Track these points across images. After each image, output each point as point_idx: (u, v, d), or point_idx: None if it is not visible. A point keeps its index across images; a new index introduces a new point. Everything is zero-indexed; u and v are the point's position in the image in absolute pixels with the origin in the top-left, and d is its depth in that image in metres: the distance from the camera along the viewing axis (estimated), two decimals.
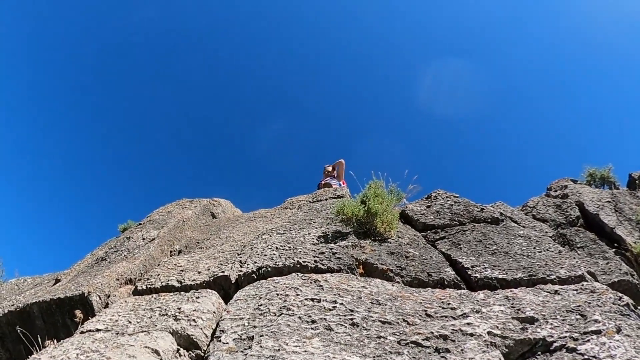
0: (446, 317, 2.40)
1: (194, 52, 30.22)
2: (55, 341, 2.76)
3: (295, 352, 2.05)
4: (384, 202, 4.12)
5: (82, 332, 2.73)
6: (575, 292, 2.70)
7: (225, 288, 3.32)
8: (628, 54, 23.21)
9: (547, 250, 3.57)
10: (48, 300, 3.45)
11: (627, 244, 4.67)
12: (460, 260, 3.45)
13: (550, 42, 25.57)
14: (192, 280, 3.46)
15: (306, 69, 29.46)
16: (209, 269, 3.62)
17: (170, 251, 4.84)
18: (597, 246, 4.74)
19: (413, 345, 2.11)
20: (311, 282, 2.97)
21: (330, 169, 8.01)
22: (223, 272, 3.44)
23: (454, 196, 5.02)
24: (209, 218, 6.33)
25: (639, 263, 4.36)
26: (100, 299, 3.41)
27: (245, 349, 2.15)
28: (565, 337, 2.13)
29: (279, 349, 2.08)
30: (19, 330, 3.25)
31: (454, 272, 3.27)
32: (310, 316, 2.42)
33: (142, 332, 2.58)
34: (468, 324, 2.29)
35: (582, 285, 2.81)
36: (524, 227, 4.55)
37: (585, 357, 1.97)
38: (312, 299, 2.65)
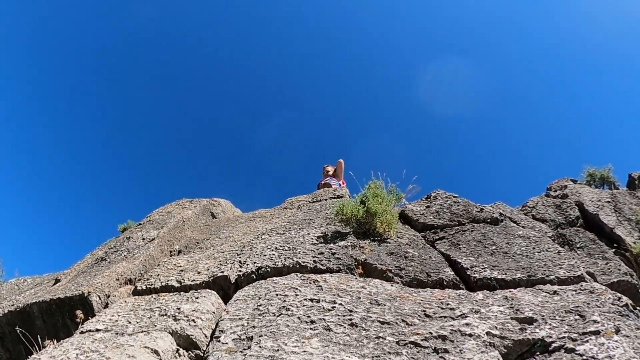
0: (445, 317, 2.41)
1: (194, 51, 30.24)
2: (55, 341, 2.77)
3: (294, 352, 2.06)
4: (384, 202, 4.12)
5: (81, 332, 2.74)
6: (574, 292, 2.70)
7: (225, 288, 3.32)
8: (628, 54, 23.21)
9: (547, 250, 3.57)
10: (48, 300, 3.45)
11: (626, 244, 4.67)
12: (459, 260, 3.46)
13: (551, 41, 25.58)
14: (192, 281, 3.46)
15: (306, 68, 29.47)
16: (208, 269, 3.63)
17: (170, 251, 4.85)
18: (597, 246, 4.75)
19: (412, 345, 2.11)
20: (310, 283, 2.98)
21: (329, 169, 8.01)
22: (222, 272, 3.44)
23: (454, 196, 5.02)
24: (208, 218, 6.33)
25: (639, 263, 4.36)
26: (100, 299, 3.41)
27: (244, 349, 2.16)
28: (564, 337, 2.14)
29: (278, 349, 2.09)
30: (18, 330, 3.26)
31: (453, 273, 3.27)
32: (309, 316, 2.43)
33: (142, 332, 2.58)
34: (467, 324, 2.29)
35: (581, 285, 2.81)
36: (523, 227, 4.55)
37: (584, 357, 1.98)
38: (311, 299, 2.65)
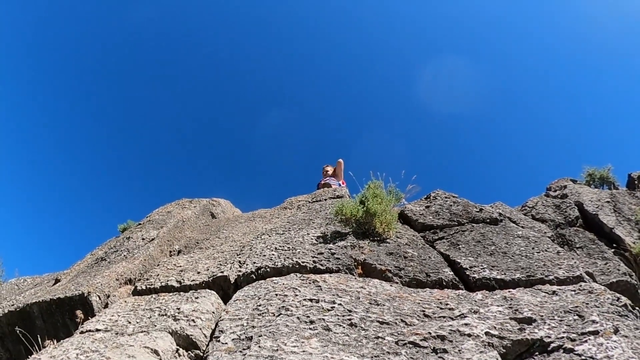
0: (444, 317, 2.41)
1: (193, 51, 30.23)
2: (55, 341, 2.77)
3: (294, 352, 2.06)
4: (383, 202, 4.13)
5: (81, 332, 2.74)
6: (573, 292, 2.71)
7: (225, 288, 3.33)
8: (628, 54, 23.22)
9: (546, 250, 3.57)
10: (48, 300, 3.46)
11: (626, 244, 4.68)
12: (458, 260, 3.46)
13: (551, 41, 25.58)
14: (192, 281, 3.47)
15: (305, 68, 29.47)
16: (208, 269, 3.63)
17: (170, 251, 4.85)
18: (596, 246, 4.75)
19: (411, 345, 2.12)
20: (310, 283, 2.98)
21: (329, 169, 8.02)
22: (222, 272, 3.45)
23: (453, 196, 5.02)
24: (208, 218, 6.34)
25: (638, 263, 4.36)
26: (100, 299, 3.42)
27: (244, 349, 2.16)
28: (563, 337, 2.14)
29: (277, 349, 2.09)
30: (18, 330, 3.26)
31: (452, 273, 3.28)
32: (308, 316, 2.43)
33: (142, 332, 2.59)
34: (466, 324, 2.29)
35: (580, 285, 2.81)
36: (522, 227, 4.56)
37: (583, 357, 1.98)
38: (311, 300, 2.66)
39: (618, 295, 2.63)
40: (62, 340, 2.66)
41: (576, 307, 2.44)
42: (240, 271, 3.42)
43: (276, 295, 2.80)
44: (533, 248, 3.63)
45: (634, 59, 22.34)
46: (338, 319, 2.39)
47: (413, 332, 2.23)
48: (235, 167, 30.87)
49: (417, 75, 28.39)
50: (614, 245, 4.73)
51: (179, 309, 2.84)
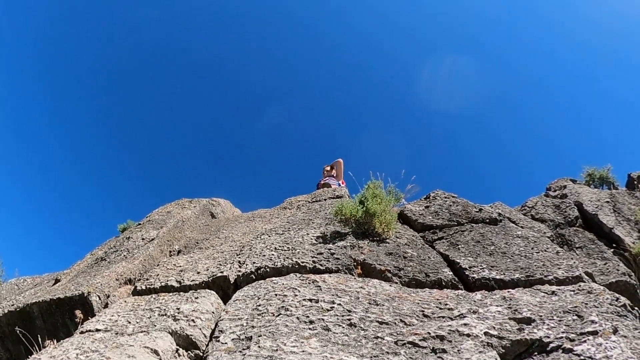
0: (443, 317, 2.42)
1: (193, 51, 30.22)
2: (55, 341, 2.77)
3: (293, 352, 2.06)
4: (383, 202, 4.13)
5: (81, 332, 2.75)
6: (572, 292, 2.71)
7: (224, 288, 3.33)
8: (628, 54, 23.22)
9: (545, 250, 3.58)
10: (48, 300, 3.46)
11: (625, 244, 4.68)
12: (458, 260, 3.47)
13: (551, 41, 25.58)
14: (191, 281, 3.47)
15: (305, 68, 29.46)
16: (208, 269, 3.63)
17: (170, 251, 4.86)
18: (596, 246, 4.76)
19: (410, 345, 2.12)
20: (309, 283, 2.99)
21: (328, 168, 8.02)
22: (222, 272, 3.45)
23: (453, 196, 5.03)
24: (208, 218, 6.34)
25: (637, 263, 4.37)
26: (99, 299, 3.42)
27: (243, 349, 2.17)
28: (562, 337, 2.15)
29: (277, 349, 2.10)
30: (18, 331, 3.27)
31: (451, 273, 3.28)
32: (308, 316, 2.44)
33: (142, 332, 2.59)
34: (465, 324, 2.30)
35: (580, 286, 2.82)
36: (522, 227, 4.56)
37: (582, 357, 1.99)
38: (310, 300, 2.66)
39: (617, 295, 2.64)
40: (62, 340, 2.67)
41: (575, 307, 2.45)
42: (240, 271, 3.42)
43: (276, 295, 2.80)
44: (532, 248, 3.64)
45: (634, 59, 22.35)
46: (337, 319, 2.40)
47: (412, 332, 2.24)
48: (235, 167, 30.89)
49: (417, 75, 28.40)
50: (614, 245, 4.74)
51: (178, 309, 2.84)
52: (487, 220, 4.37)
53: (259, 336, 2.25)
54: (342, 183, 7.66)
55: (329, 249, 3.62)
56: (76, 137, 30.00)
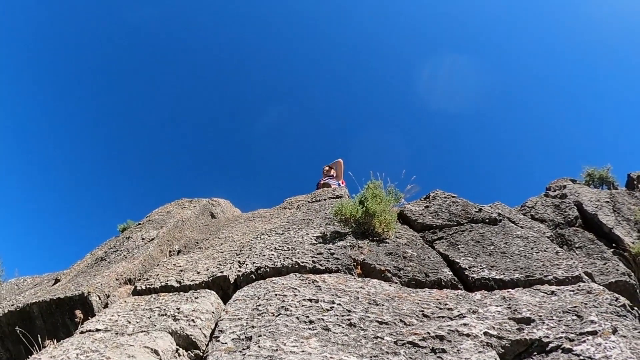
0: (443, 317, 2.42)
1: (192, 51, 30.21)
2: (55, 341, 2.78)
3: (293, 352, 2.07)
4: (382, 202, 4.13)
5: (81, 332, 2.75)
6: (572, 292, 2.71)
7: (224, 288, 3.34)
8: (628, 54, 23.23)
9: (545, 250, 3.58)
10: (48, 300, 3.46)
11: (625, 244, 4.69)
12: (457, 260, 3.47)
13: (552, 40, 25.58)
14: (191, 281, 3.47)
15: (305, 68, 29.45)
16: (208, 269, 3.64)
17: (170, 251, 4.86)
18: (596, 246, 4.76)
19: (410, 345, 2.12)
20: (309, 283, 2.99)
21: (328, 168, 8.03)
22: (222, 272, 3.45)
23: (452, 196, 5.03)
24: (208, 218, 6.34)
25: (637, 263, 4.37)
26: (99, 299, 3.42)
27: (243, 349, 2.17)
28: (561, 337, 2.15)
29: (276, 349, 2.10)
30: (18, 330, 3.27)
31: (451, 273, 3.28)
32: (308, 316, 2.44)
33: (142, 332, 2.59)
34: (464, 324, 2.30)
35: (579, 286, 2.82)
36: (522, 227, 4.56)
37: (581, 357, 1.99)
38: (310, 300, 2.66)
39: (617, 295, 2.64)
40: (62, 340, 2.67)
41: (575, 307, 2.45)
42: (239, 271, 3.43)
43: (276, 295, 2.81)
44: (532, 248, 3.64)
45: (634, 59, 22.35)
46: (337, 319, 2.40)
47: (412, 332, 2.24)
48: (235, 167, 30.87)
49: (417, 74, 28.40)
50: (613, 245, 4.74)
51: (178, 309, 2.84)
52: (487, 220, 4.38)
53: (259, 336, 2.25)
54: (342, 183, 7.66)
55: (329, 249, 3.62)
56: (76, 137, 30.00)
